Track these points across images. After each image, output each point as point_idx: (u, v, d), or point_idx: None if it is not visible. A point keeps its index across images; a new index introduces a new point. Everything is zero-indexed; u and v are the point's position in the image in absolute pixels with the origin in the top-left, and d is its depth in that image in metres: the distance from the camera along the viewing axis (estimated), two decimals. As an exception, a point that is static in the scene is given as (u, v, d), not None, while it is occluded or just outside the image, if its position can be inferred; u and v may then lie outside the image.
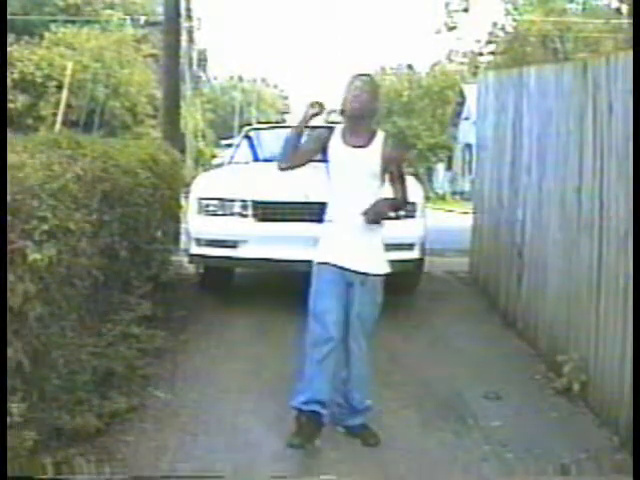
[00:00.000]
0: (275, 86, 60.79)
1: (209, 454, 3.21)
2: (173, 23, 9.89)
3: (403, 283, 5.98)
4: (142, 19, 26.69)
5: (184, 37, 18.57)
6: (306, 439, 3.21)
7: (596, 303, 3.73)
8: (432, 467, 3.18)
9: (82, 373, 3.31)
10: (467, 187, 26.94)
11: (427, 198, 6.81)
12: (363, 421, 3.43)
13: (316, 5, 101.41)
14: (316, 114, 3.41)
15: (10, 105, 19.38)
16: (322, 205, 3.54)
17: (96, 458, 2.97)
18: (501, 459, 3.25)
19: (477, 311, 5.85)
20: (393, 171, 3.45)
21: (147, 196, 4.90)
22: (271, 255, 5.09)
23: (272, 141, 7.40)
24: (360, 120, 3.41)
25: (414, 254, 5.38)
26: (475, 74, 21.18)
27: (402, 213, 5.36)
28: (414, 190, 5.72)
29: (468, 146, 27.49)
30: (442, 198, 29.26)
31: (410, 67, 40.87)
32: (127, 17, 26.48)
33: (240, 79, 55.64)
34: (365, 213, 3.27)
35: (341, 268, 3.29)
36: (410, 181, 6.17)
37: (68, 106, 20.01)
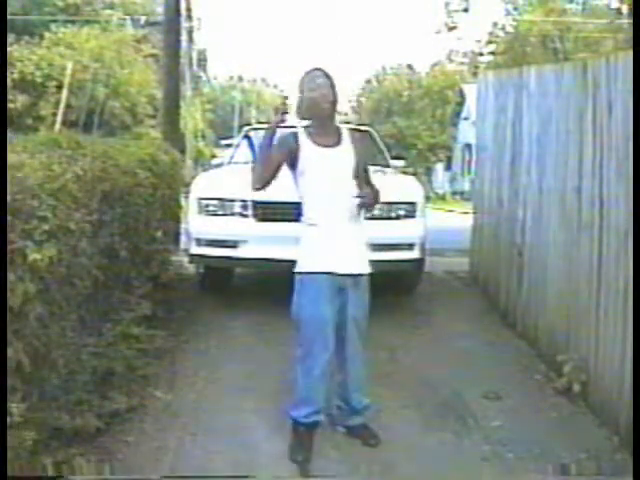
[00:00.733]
0: (275, 86, 60.85)
1: (209, 454, 3.21)
2: (173, 23, 9.89)
3: (403, 283, 6.00)
4: (142, 19, 26.69)
5: (184, 37, 18.58)
6: (308, 451, 3.21)
7: (596, 303, 3.73)
8: (432, 467, 3.18)
9: (82, 373, 3.31)
10: (467, 187, 26.95)
11: (427, 198, 6.80)
12: (363, 421, 3.43)
13: (316, 5, 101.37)
14: (282, 120, 3.25)
15: (10, 105, 19.38)
16: None
17: (96, 458, 2.97)
18: (501, 459, 3.25)
19: (477, 311, 5.85)
20: (360, 166, 3.34)
21: (147, 196, 4.90)
22: (271, 255, 5.09)
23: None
24: (327, 119, 3.32)
25: (414, 254, 5.38)
26: (475, 74, 21.19)
27: (402, 213, 5.39)
28: (414, 190, 5.74)
29: (468, 146, 27.50)
30: (442, 198, 29.27)
31: (410, 67, 40.95)
32: (127, 17, 26.48)
33: (240, 79, 55.71)
34: (361, 196, 3.18)
35: (332, 274, 3.20)
36: (410, 181, 6.22)
37: (68, 106, 20.01)
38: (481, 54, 30.16)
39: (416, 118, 35.36)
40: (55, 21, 24.65)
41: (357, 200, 3.20)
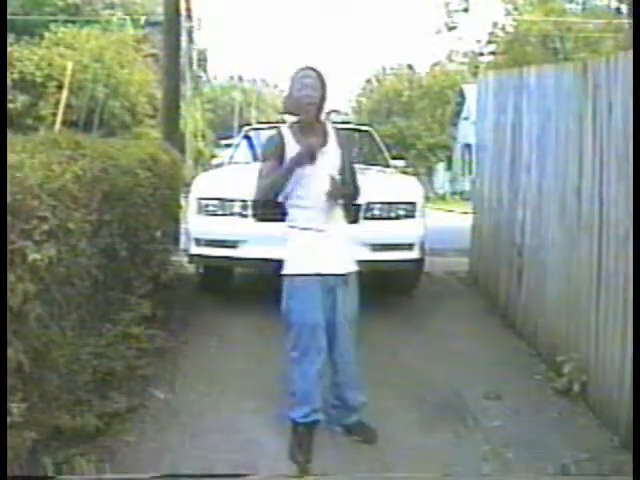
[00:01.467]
0: (275, 86, 60.81)
1: (209, 454, 3.21)
2: (173, 23, 9.89)
3: (403, 283, 6.00)
4: (142, 19, 26.67)
5: (184, 37, 18.56)
6: (309, 452, 3.22)
7: (596, 303, 3.73)
8: (432, 467, 3.18)
9: (82, 373, 3.31)
10: (467, 187, 26.94)
11: (427, 198, 6.80)
12: (359, 418, 3.44)
13: (316, 5, 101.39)
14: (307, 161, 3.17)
15: (10, 105, 19.36)
16: None
17: (96, 458, 2.97)
18: (501, 459, 3.25)
19: (477, 311, 5.85)
20: (346, 165, 3.33)
21: (147, 196, 4.90)
22: (271, 255, 5.07)
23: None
24: (313, 118, 3.29)
25: (414, 254, 5.38)
26: (475, 74, 21.18)
27: (401, 213, 5.39)
28: (414, 190, 5.74)
29: (468, 146, 27.49)
30: (442, 198, 29.28)
31: (410, 67, 40.93)
32: (127, 17, 26.47)
33: (240, 79, 55.70)
34: (329, 192, 3.17)
35: (321, 275, 3.20)
36: (410, 181, 6.22)
37: (68, 106, 19.99)
38: (481, 54, 30.18)
39: (416, 118, 35.36)
40: (55, 21, 24.64)
41: (327, 192, 3.19)
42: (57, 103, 20.06)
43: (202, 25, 39.76)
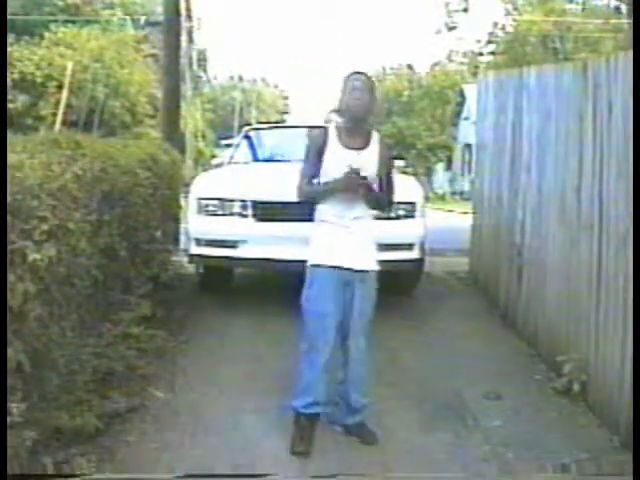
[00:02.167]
0: (275, 86, 60.82)
1: (209, 454, 3.21)
2: (173, 23, 9.90)
3: (403, 283, 5.99)
4: (142, 19, 26.68)
5: (184, 37, 18.57)
6: (309, 444, 3.25)
7: (596, 303, 3.73)
8: (432, 467, 3.18)
9: (82, 373, 3.31)
10: (467, 187, 26.94)
11: (427, 198, 6.80)
12: (361, 419, 3.44)
13: (316, 5, 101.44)
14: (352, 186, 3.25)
15: (10, 105, 19.37)
16: None
17: (96, 458, 2.97)
18: (501, 459, 3.25)
19: (477, 311, 5.85)
20: (382, 172, 3.41)
21: (147, 196, 4.90)
22: (271, 255, 5.09)
23: (272, 141, 7.42)
24: (360, 122, 3.40)
25: (414, 254, 5.38)
26: (475, 74, 21.18)
27: (401, 213, 5.39)
28: (414, 190, 5.73)
29: (468, 146, 27.51)
30: (442, 198, 29.27)
31: (410, 67, 40.95)
32: (127, 17, 26.47)
33: (240, 79, 55.69)
34: (348, 174, 3.20)
35: (340, 268, 3.27)
36: (410, 181, 6.22)
37: (68, 106, 20.00)
38: (481, 54, 30.17)
39: (416, 118, 35.36)
40: (55, 21, 24.65)
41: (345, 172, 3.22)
42: (57, 103, 20.07)
43: (202, 25, 39.79)
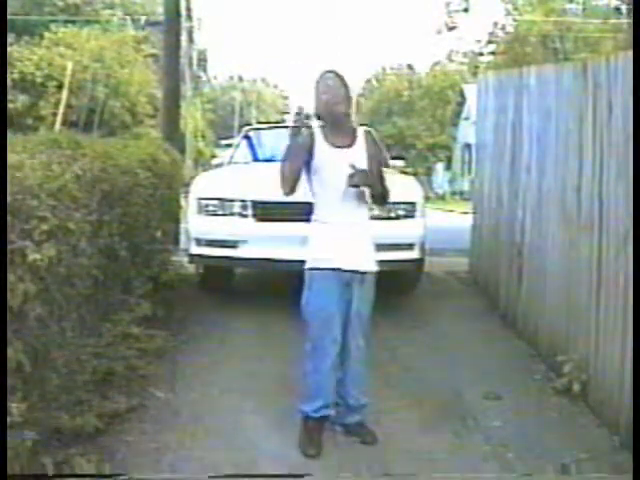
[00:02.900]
0: (275, 86, 60.86)
1: (209, 454, 3.21)
2: (173, 23, 9.90)
3: (403, 283, 5.99)
4: (142, 19, 26.68)
5: (184, 37, 18.58)
6: (319, 446, 3.25)
7: (596, 303, 3.73)
8: (432, 467, 3.18)
9: (82, 373, 3.31)
10: (467, 187, 26.94)
11: (427, 198, 6.80)
12: (360, 419, 3.44)
13: (316, 5, 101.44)
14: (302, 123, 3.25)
15: (10, 105, 19.37)
16: None
17: (96, 458, 2.96)
18: (501, 459, 3.25)
19: (477, 311, 5.85)
20: (373, 167, 3.38)
21: (147, 196, 4.90)
22: (271, 255, 5.09)
23: (272, 141, 7.41)
24: (342, 119, 3.37)
25: (414, 254, 5.38)
26: (475, 74, 21.18)
27: (401, 213, 5.39)
28: (414, 190, 5.74)
29: (468, 146, 27.51)
30: (442, 198, 29.28)
31: (410, 67, 41.00)
32: (127, 17, 26.48)
33: (240, 79, 55.73)
34: (352, 175, 3.19)
35: (340, 270, 3.26)
36: (410, 181, 6.22)
37: (68, 106, 20.01)
38: (481, 54, 30.16)
39: (416, 118, 35.38)
40: (55, 21, 24.66)
41: (349, 177, 3.21)
42: (57, 103, 20.08)
43: (202, 25, 39.75)
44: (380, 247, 5.08)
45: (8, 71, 18.44)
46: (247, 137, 7.37)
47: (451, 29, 26.05)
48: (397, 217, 5.33)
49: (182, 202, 7.36)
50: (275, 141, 7.43)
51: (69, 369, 3.13)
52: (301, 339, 3.39)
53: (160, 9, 13.55)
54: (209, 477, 3.00)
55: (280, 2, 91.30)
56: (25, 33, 23.40)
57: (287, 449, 3.26)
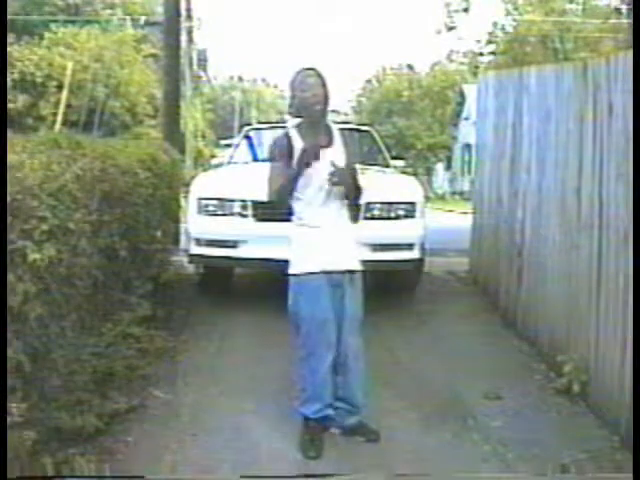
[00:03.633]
0: (275, 86, 60.84)
1: (209, 454, 3.21)
2: (173, 23, 9.89)
3: (403, 283, 6.00)
4: (142, 19, 26.66)
5: (184, 37, 18.57)
6: (320, 447, 3.25)
7: (596, 303, 3.73)
8: (432, 467, 3.18)
9: (82, 373, 3.31)
10: (467, 187, 26.94)
11: (426, 198, 6.80)
12: (360, 419, 3.43)
13: (316, 5, 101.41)
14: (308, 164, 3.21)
15: (10, 105, 19.37)
16: None
17: (96, 458, 2.96)
18: (501, 459, 3.24)
19: (477, 311, 5.85)
20: (349, 165, 3.35)
21: (147, 196, 4.90)
22: (271, 255, 5.08)
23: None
24: (319, 118, 3.35)
25: (414, 254, 5.39)
26: (475, 74, 21.18)
27: (401, 213, 5.39)
28: (414, 190, 5.74)
29: (468, 146, 27.50)
30: (442, 198, 29.26)
31: (410, 67, 40.96)
32: (127, 17, 26.46)
33: (240, 79, 55.75)
34: (333, 173, 3.18)
35: (328, 272, 3.24)
36: (410, 181, 6.22)
37: (68, 106, 20.00)
38: (481, 54, 30.13)
39: (416, 118, 35.34)
40: (55, 21, 24.64)
41: (329, 175, 3.20)
42: (57, 103, 20.07)
43: (202, 25, 39.76)
44: (380, 247, 5.14)
45: (8, 71, 18.44)
46: (247, 137, 7.36)
47: (451, 29, 26.02)
48: (397, 217, 5.33)
49: (182, 202, 7.36)
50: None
51: (69, 369, 3.13)
52: (298, 346, 3.38)
53: (160, 9, 13.54)
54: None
55: (280, 2, 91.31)
56: (25, 33, 23.39)
57: (287, 449, 3.26)
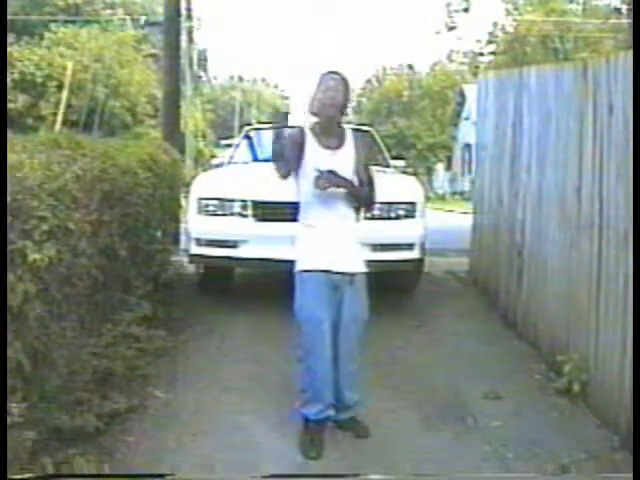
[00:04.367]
0: (275, 86, 60.85)
1: (209, 454, 3.21)
2: (173, 23, 9.90)
3: (403, 283, 6.00)
4: (142, 19, 26.68)
5: (184, 37, 18.57)
6: (320, 447, 3.26)
7: (596, 303, 3.73)
8: (432, 467, 3.18)
9: (82, 373, 3.31)
10: (467, 187, 26.93)
11: (427, 198, 6.80)
12: (353, 415, 3.46)
13: (316, 5, 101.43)
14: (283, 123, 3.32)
15: (10, 105, 19.38)
16: None
17: (96, 458, 2.96)
18: (501, 459, 3.25)
19: (477, 311, 5.85)
20: (360, 169, 3.40)
21: (147, 196, 4.89)
22: (271, 255, 5.08)
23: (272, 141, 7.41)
24: (334, 121, 3.39)
25: (414, 254, 5.38)
26: (475, 74, 21.18)
27: (402, 213, 5.39)
28: (414, 190, 5.74)
29: (468, 146, 27.50)
30: (442, 198, 29.27)
31: (410, 67, 40.99)
32: (127, 17, 26.48)
33: (240, 79, 55.72)
34: (318, 178, 3.21)
35: (329, 272, 3.26)
36: (410, 181, 6.22)
37: (68, 106, 20.02)
38: (481, 54, 30.18)
39: (416, 118, 35.37)
40: (55, 21, 24.67)
41: (315, 182, 3.24)
42: (57, 103, 20.09)
43: (202, 25, 39.80)
44: (380, 247, 5.14)
45: (8, 71, 18.45)
46: (247, 137, 7.36)
47: (451, 29, 26.02)
48: (397, 217, 5.33)
49: (182, 202, 7.36)
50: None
51: (69, 369, 3.13)
52: (296, 346, 3.38)
53: (160, 9, 13.55)
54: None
55: (280, 2, 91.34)
56: (25, 33, 23.42)
57: (287, 449, 3.26)
